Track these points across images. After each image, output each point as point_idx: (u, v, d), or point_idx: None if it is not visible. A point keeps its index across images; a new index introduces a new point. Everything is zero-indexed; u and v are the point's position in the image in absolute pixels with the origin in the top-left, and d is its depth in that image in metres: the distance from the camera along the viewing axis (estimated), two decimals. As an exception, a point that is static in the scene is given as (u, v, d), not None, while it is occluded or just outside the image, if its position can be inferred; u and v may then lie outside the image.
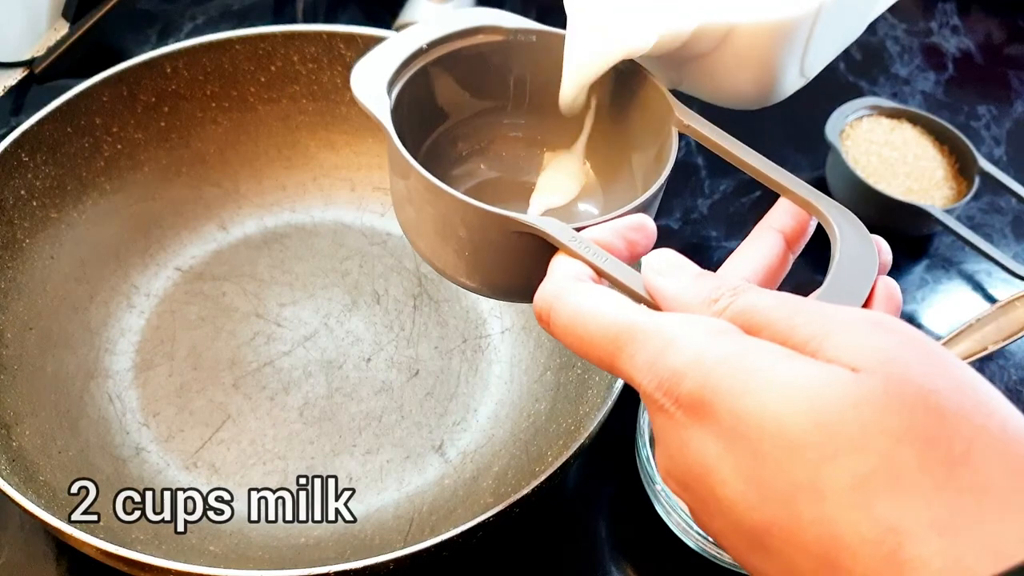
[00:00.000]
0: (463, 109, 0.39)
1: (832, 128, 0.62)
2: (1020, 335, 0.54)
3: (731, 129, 0.34)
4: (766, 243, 0.32)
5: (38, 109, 0.49)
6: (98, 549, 0.36)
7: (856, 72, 0.74)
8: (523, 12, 0.38)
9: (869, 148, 0.63)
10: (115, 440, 0.47)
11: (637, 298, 0.28)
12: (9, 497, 0.37)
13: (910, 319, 0.59)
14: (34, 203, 0.50)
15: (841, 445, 0.21)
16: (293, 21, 0.69)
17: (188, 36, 0.70)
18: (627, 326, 0.25)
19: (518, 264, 0.32)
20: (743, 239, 0.34)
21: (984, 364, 0.56)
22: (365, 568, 0.36)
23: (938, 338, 0.56)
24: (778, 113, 0.68)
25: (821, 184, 0.64)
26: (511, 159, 0.40)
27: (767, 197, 0.33)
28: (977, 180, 0.61)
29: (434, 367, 0.51)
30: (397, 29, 0.66)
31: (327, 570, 0.36)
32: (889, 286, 0.28)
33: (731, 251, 0.33)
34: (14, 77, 0.64)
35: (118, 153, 0.54)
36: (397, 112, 0.34)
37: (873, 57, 0.76)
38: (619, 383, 0.42)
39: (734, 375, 0.23)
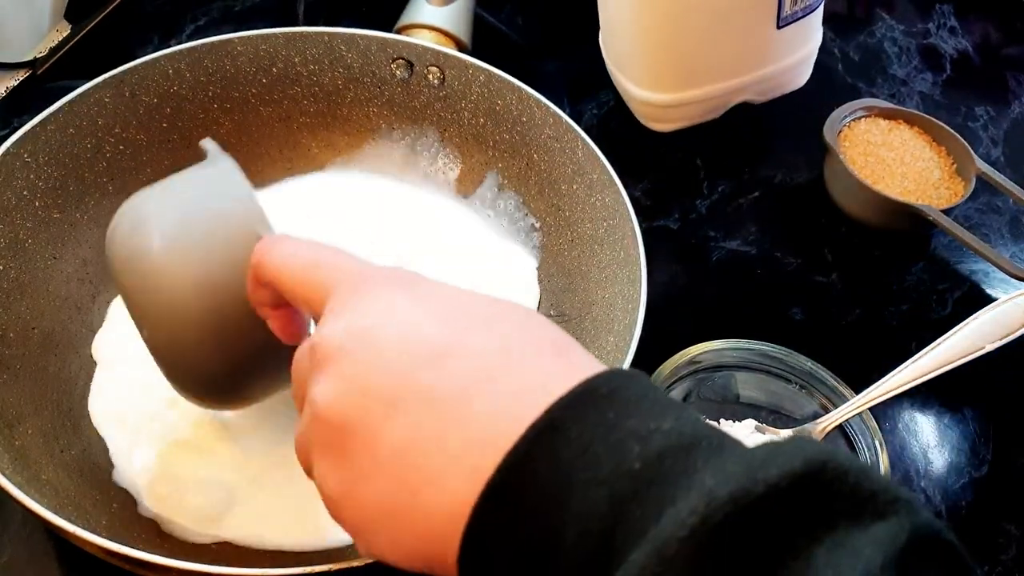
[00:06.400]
0: None
1: (830, 129, 0.62)
2: (1017, 335, 0.54)
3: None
4: None
5: (40, 110, 0.49)
6: (101, 548, 0.36)
7: (854, 73, 0.75)
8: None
9: (867, 149, 0.63)
10: (117, 439, 0.47)
11: None
12: (12, 496, 0.37)
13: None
14: (36, 203, 0.50)
15: None
16: (295, 23, 0.69)
17: (190, 37, 0.70)
18: None
19: None
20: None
21: (982, 364, 0.57)
22: (365, 568, 0.36)
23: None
24: (777, 113, 0.68)
25: (819, 184, 0.64)
26: None
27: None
28: (974, 181, 0.62)
29: (434, 367, 0.51)
30: (398, 32, 0.66)
31: (327, 569, 0.36)
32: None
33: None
34: (16, 78, 0.65)
35: (120, 154, 0.54)
36: None
37: (871, 58, 0.76)
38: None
39: None
